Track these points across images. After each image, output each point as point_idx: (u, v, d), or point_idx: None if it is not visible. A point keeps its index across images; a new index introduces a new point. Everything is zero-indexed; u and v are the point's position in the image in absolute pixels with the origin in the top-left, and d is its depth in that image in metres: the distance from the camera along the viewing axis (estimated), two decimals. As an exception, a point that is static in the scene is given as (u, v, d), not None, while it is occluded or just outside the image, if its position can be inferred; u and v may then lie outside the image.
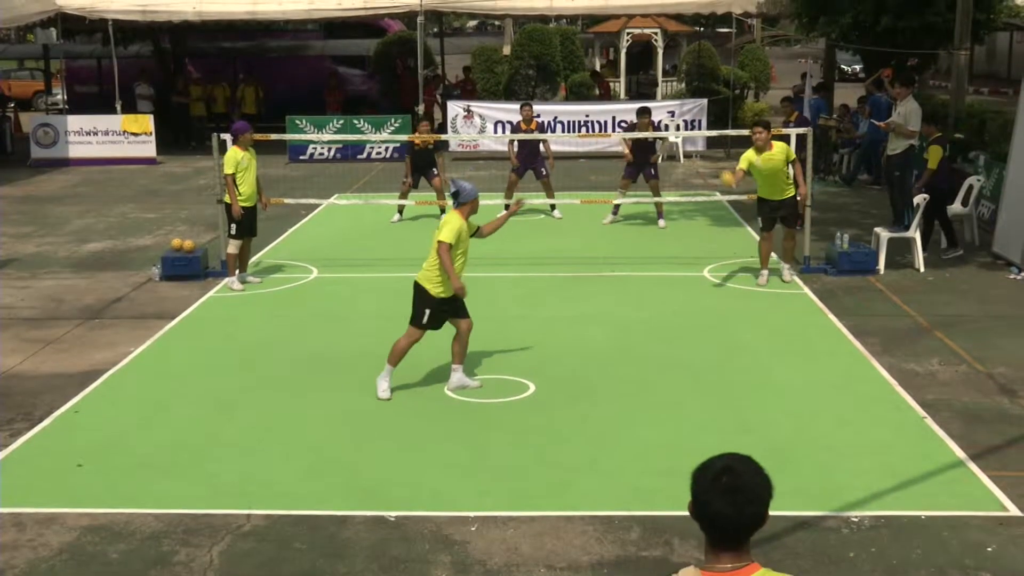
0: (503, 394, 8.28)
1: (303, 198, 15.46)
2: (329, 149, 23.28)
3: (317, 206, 16.86)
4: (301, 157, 23.12)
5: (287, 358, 9.38)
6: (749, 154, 11.44)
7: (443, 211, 15.39)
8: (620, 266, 12.79)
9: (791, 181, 11.54)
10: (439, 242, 7.79)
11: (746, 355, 9.31)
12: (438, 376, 8.73)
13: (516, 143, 15.95)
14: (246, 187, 11.52)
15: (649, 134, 14.85)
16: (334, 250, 14.05)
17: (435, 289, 7.98)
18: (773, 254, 12.07)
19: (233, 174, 11.41)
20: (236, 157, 11.45)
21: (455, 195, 7.96)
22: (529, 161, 15.75)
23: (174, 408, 8.22)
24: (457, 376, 8.19)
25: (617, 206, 15.39)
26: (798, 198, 11.81)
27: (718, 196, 16.36)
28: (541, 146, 15.78)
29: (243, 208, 11.36)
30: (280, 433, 7.58)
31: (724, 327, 10.20)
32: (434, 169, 15.55)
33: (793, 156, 11.50)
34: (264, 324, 10.53)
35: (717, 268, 12.71)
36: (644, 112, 15.21)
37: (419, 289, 8.03)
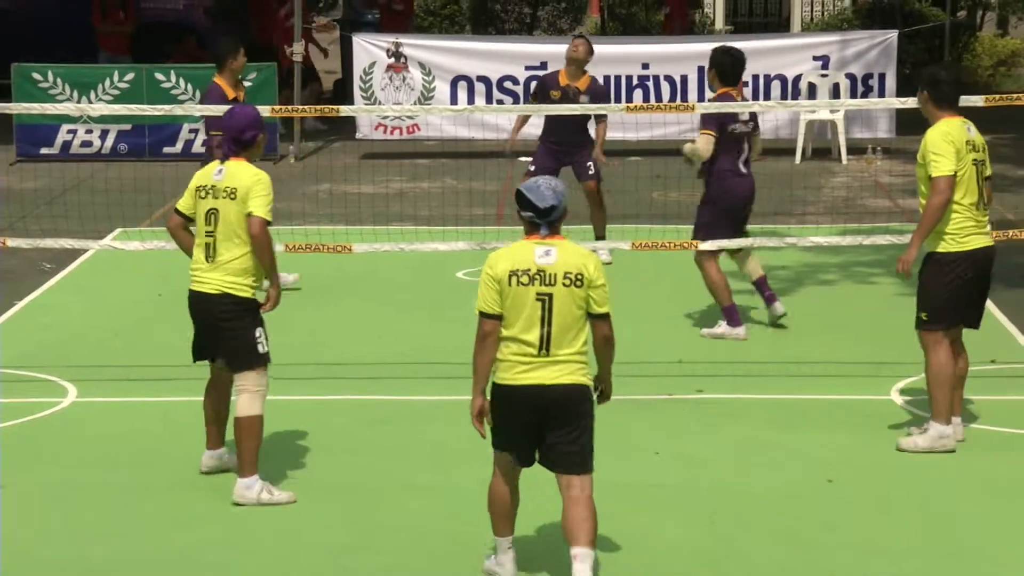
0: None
1: (47, 237, 15.50)
2: (103, 134, 23.56)
3: (79, 253, 17.05)
4: (44, 150, 23.63)
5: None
6: (955, 131, 11.51)
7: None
8: (715, 380, 13.12)
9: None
10: (606, 314, 8.72)
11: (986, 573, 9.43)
12: None
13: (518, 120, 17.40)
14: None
15: None
16: (111, 348, 14.10)
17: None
18: None
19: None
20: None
21: (546, 212, 8.58)
22: (564, 152, 16.63)
23: None
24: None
25: None
26: None
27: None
28: (591, 126, 16.87)
29: (193, 292, 10.80)
30: None
31: (937, 515, 10.35)
32: None
33: None
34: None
35: (921, 385, 12.47)
36: None
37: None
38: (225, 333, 10.10)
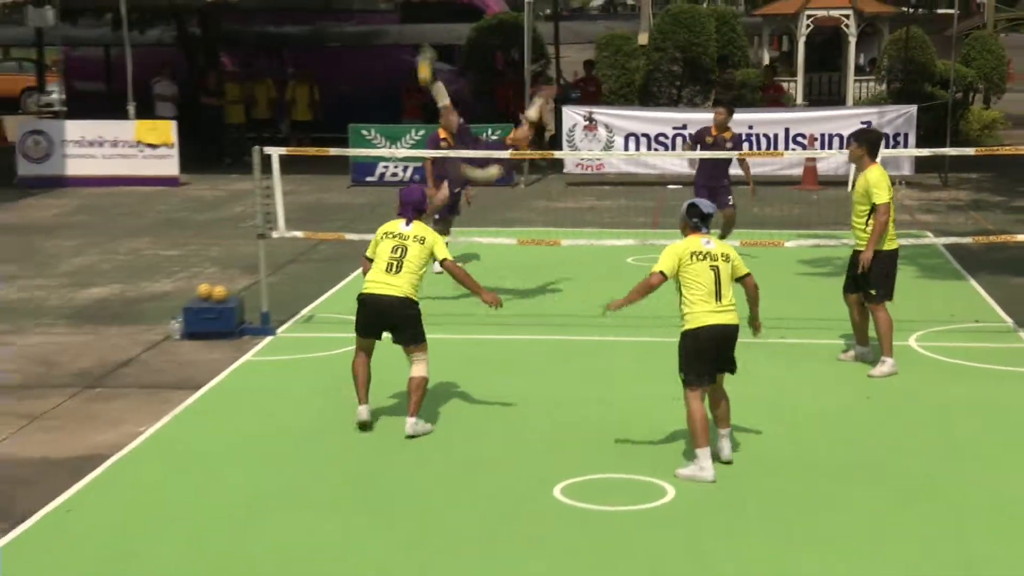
0: (632, 500, 8.43)
1: (370, 232, 15.42)
2: (405, 168, 23.80)
3: (389, 245, 16.93)
4: (368, 178, 24.00)
5: (346, 448, 9.51)
6: (885, 173, 11.74)
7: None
8: (793, 330, 12.90)
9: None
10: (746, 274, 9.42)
11: (976, 463, 9.24)
12: (546, 465, 9.01)
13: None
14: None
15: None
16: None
17: None
18: None
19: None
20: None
21: (707, 217, 9.34)
22: (710, 190, 16.20)
23: (195, 509, 8.32)
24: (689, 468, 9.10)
25: None
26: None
27: (930, 238, 16.50)
28: (735, 166, 16.60)
29: (377, 296, 10.29)
30: (330, 555, 7.61)
31: (941, 421, 10.24)
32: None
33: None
34: (317, 401, 10.64)
35: (930, 336, 12.79)
36: None
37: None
38: (408, 322, 9.98)
